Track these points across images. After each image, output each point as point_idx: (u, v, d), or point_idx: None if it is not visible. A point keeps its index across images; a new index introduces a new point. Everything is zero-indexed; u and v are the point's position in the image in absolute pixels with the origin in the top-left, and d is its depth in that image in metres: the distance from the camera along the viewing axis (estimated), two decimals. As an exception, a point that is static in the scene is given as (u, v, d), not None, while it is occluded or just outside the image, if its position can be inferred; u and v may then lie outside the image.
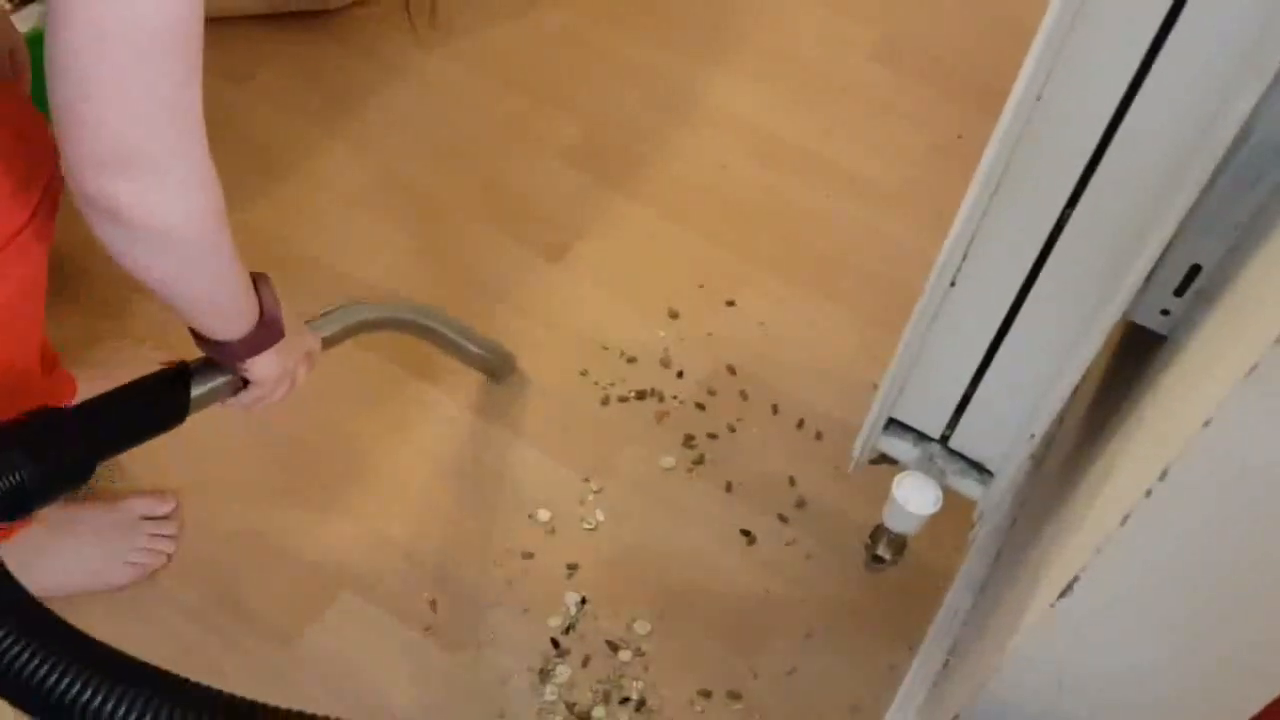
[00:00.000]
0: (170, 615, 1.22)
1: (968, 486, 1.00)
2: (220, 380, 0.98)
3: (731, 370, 1.49)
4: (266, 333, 0.95)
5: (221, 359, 0.96)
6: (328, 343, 1.14)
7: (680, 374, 1.48)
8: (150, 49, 0.70)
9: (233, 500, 1.32)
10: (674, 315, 1.55)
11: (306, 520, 1.30)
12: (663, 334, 1.52)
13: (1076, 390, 1.17)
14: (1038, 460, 1.20)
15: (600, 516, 1.34)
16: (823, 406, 1.46)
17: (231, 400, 1.01)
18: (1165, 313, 0.85)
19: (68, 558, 1.19)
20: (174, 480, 1.31)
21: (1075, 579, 0.65)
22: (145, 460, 1.29)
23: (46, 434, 0.83)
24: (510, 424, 1.41)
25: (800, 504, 1.38)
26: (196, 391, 0.97)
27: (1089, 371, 1.14)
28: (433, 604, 1.25)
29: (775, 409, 1.46)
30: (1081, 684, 0.71)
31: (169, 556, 1.24)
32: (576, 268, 1.58)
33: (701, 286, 1.58)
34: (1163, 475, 0.57)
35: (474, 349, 1.38)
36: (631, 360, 1.49)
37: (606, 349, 1.50)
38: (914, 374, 0.95)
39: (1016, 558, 1.04)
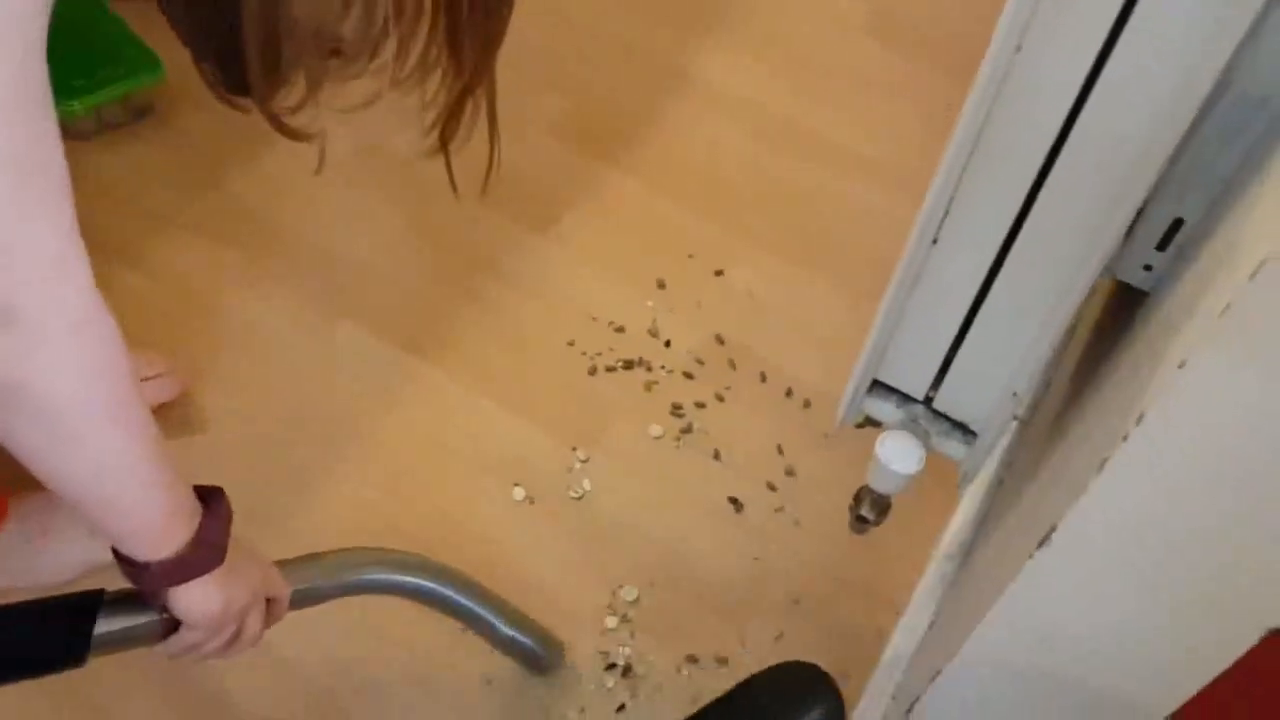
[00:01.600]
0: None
1: (951, 448, 0.99)
2: (141, 619, 0.78)
3: (720, 340, 1.49)
4: (197, 557, 0.75)
5: (139, 585, 0.76)
6: (301, 600, 0.93)
7: (668, 343, 1.48)
8: None
9: (215, 469, 1.31)
10: (662, 285, 1.54)
11: (290, 488, 1.30)
12: (651, 304, 1.52)
13: (1063, 351, 1.17)
14: (1024, 423, 1.20)
15: (587, 485, 1.34)
16: (810, 375, 1.46)
17: (160, 647, 0.81)
18: (1148, 268, 0.85)
19: (55, 549, 1.18)
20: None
21: (1053, 528, 0.65)
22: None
23: None
24: (496, 394, 1.41)
25: (789, 472, 1.38)
26: (105, 629, 0.77)
27: (1076, 333, 1.15)
28: (420, 572, 1.25)
29: (763, 378, 1.46)
30: (1063, 638, 0.71)
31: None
32: (564, 240, 1.58)
33: (690, 257, 1.58)
34: (1139, 419, 0.57)
35: (508, 631, 1.11)
36: (619, 330, 1.49)
37: (594, 319, 1.49)
38: (897, 335, 0.94)
39: (1001, 520, 1.04)
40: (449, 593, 1.06)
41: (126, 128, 1.59)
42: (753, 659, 1.22)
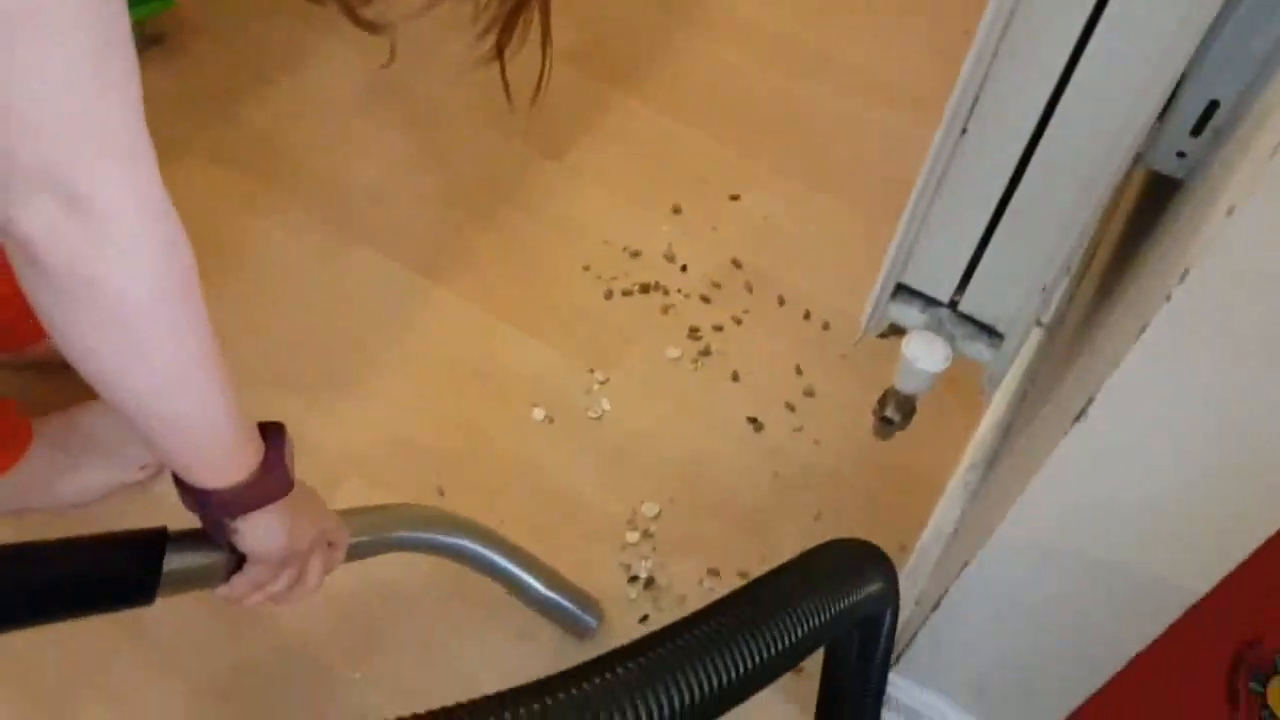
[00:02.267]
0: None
1: (977, 350, 0.98)
2: (207, 558, 0.77)
3: (736, 263, 1.48)
4: (264, 485, 0.73)
5: (205, 516, 0.74)
6: (354, 551, 0.91)
7: (684, 268, 1.47)
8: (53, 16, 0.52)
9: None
10: (677, 210, 1.53)
11: (312, 409, 1.30)
12: (666, 229, 1.51)
13: (1092, 255, 1.16)
14: (1049, 331, 1.19)
15: (606, 406, 1.34)
16: (829, 297, 1.45)
17: (223, 589, 0.79)
18: (1182, 155, 0.84)
19: (78, 472, 1.18)
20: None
21: (1090, 400, 0.65)
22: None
23: None
24: (514, 318, 1.40)
25: (808, 393, 1.37)
26: (172, 565, 0.75)
27: (1105, 236, 1.13)
28: (440, 491, 1.25)
29: (781, 300, 1.45)
30: (1098, 517, 0.71)
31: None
32: (578, 166, 1.56)
33: (705, 182, 1.57)
34: (1183, 277, 0.56)
35: (545, 591, 1.11)
36: (635, 255, 1.48)
37: (609, 244, 1.48)
38: (923, 234, 0.93)
39: (1026, 428, 1.03)
40: (498, 559, 1.07)
41: (138, 56, 1.57)
42: (774, 573, 1.22)
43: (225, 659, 1.13)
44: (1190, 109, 0.81)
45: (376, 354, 1.36)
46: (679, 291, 1.45)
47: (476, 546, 1.05)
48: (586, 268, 1.46)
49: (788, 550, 1.24)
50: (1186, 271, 0.55)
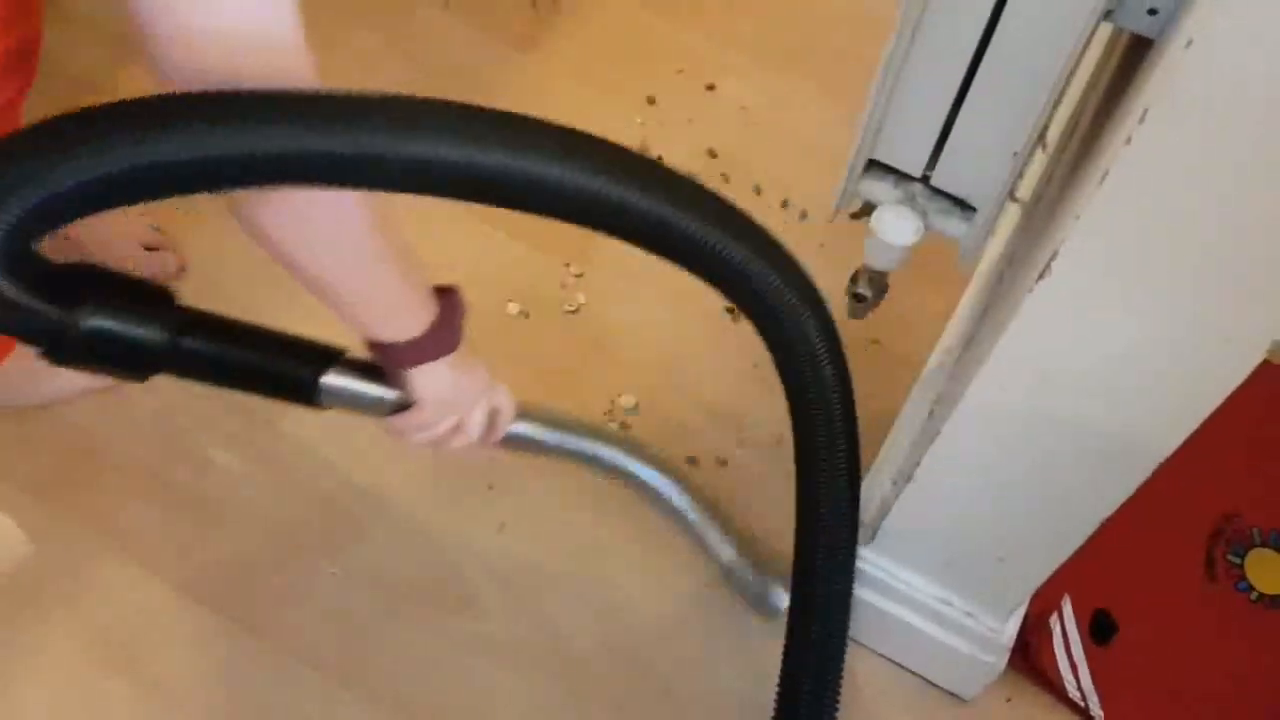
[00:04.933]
0: (159, 405, 1.21)
1: (951, 225, 0.97)
2: (373, 389, 0.85)
3: (712, 154, 1.46)
4: (436, 341, 0.81)
5: (384, 363, 0.83)
6: (525, 443, 1.00)
7: (659, 159, 1.44)
8: None
9: (222, 290, 1.30)
10: (651, 102, 1.50)
11: (287, 313, 1.28)
12: (640, 120, 1.48)
13: (1071, 134, 1.14)
14: (1027, 211, 1.18)
15: (581, 299, 1.32)
16: (806, 186, 1.43)
17: (390, 421, 0.88)
18: (1153, 11, 0.81)
19: (62, 374, 1.17)
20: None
21: (1054, 255, 0.64)
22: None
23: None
24: (487, 213, 1.37)
25: (785, 283, 1.36)
26: (335, 381, 0.84)
27: (1083, 114, 1.11)
28: (416, 386, 1.25)
29: (758, 190, 1.43)
30: (1065, 375, 0.70)
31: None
32: (549, 57, 1.53)
33: (680, 72, 1.53)
34: (1142, 117, 0.54)
35: (727, 550, 1.08)
36: (609, 147, 1.45)
37: (583, 137, 1.46)
38: (893, 107, 0.91)
39: (1004, 305, 1.02)
40: (677, 499, 1.07)
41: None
42: (753, 459, 1.23)
43: (204, 558, 1.13)
44: (1162, -38, 0.78)
45: (348, 253, 1.34)
46: (654, 183, 1.42)
47: (660, 487, 1.07)
48: (560, 161, 1.43)
49: (766, 438, 1.25)
50: (1145, 112, 0.54)
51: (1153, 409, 0.69)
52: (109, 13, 1.49)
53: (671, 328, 1.31)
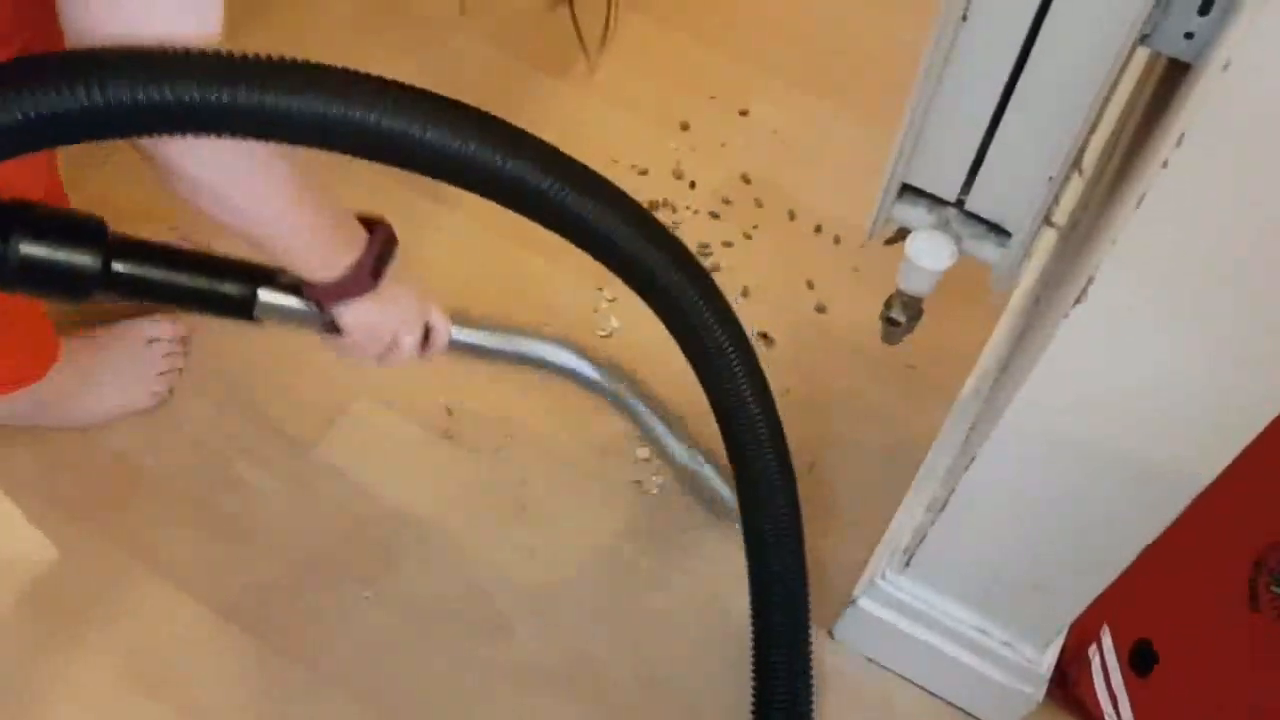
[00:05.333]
0: (194, 428, 1.23)
1: (986, 251, 0.96)
2: (301, 306, 0.91)
3: (746, 179, 1.46)
4: (356, 280, 0.87)
5: (310, 296, 0.89)
6: (468, 348, 1.06)
7: (693, 185, 1.45)
8: None
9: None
10: (685, 127, 1.50)
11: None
12: (674, 146, 1.49)
13: (1108, 160, 1.13)
14: (1063, 236, 1.17)
15: (615, 323, 1.33)
16: (840, 211, 1.43)
17: (325, 338, 0.95)
18: (1189, 36, 0.80)
19: (96, 392, 1.19)
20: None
21: (1090, 280, 0.63)
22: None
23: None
24: (521, 237, 1.38)
25: (819, 308, 1.36)
26: (269, 298, 0.90)
27: (1120, 140, 1.10)
28: (449, 410, 1.25)
29: (791, 215, 1.43)
30: (1102, 401, 0.69)
31: (180, 371, 1.24)
32: (583, 83, 1.54)
33: (713, 97, 1.54)
34: (1179, 141, 0.54)
35: (679, 448, 1.14)
36: (643, 173, 1.46)
37: (616, 162, 1.46)
38: (926, 130, 0.91)
39: (1039, 329, 1.01)
40: (626, 397, 1.12)
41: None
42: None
43: (238, 581, 1.14)
44: (1198, -16, 0.77)
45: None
46: (688, 208, 1.43)
47: (615, 389, 1.12)
48: (593, 187, 1.44)
49: (799, 465, 1.24)
50: (1182, 136, 0.53)
51: (1192, 435, 0.68)
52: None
53: (704, 352, 1.31)
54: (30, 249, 0.78)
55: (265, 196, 0.79)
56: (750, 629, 0.98)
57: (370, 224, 0.90)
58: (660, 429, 1.13)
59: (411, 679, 1.10)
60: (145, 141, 0.72)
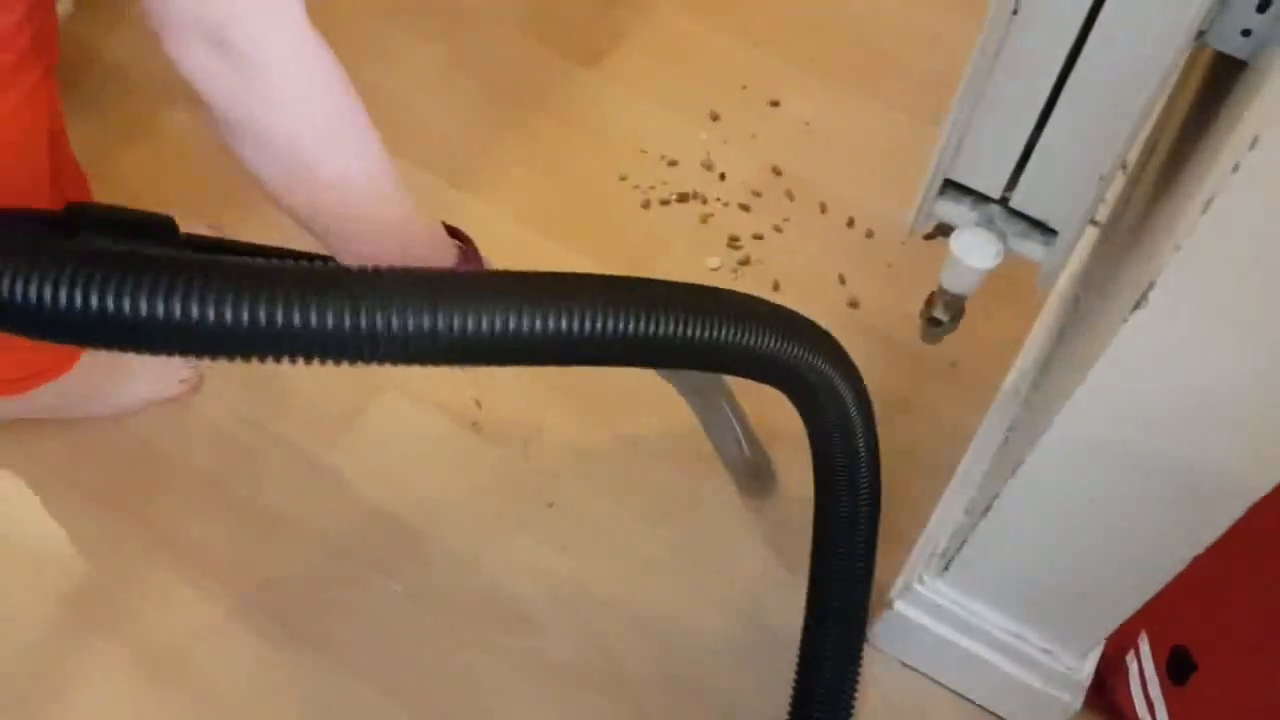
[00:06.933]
0: (222, 418, 1.22)
1: (1030, 249, 0.94)
2: None
3: (777, 171, 1.44)
4: None
5: None
6: None
7: (723, 176, 1.43)
8: None
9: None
10: (715, 118, 1.49)
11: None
12: (704, 136, 1.47)
13: (1150, 154, 1.10)
14: (1105, 233, 1.15)
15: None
16: (873, 204, 1.41)
17: None
18: (1246, 33, 0.78)
19: (126, 381, 1.19)
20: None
21: (1151, 286, 0.61)
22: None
23: None
24: (547, 228, 1.37)
25: (852, 303, 1.34)
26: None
27: (1163, 134, 1.08)
28: (478, 403, 1.24)
29: (823, 208, 1.41)
30: (1159, 409, 0.67)
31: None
32: (613, 73, 1.52)
33: (744, 88, 1.52)
34: (1253, 143, 0.52)
35: (732, 441, 1.13)
36: (672, 164, 1.44)
37: (645, 153, 1.45)
38: (973, 126, 0.89)
39: (1080, 331, 0.99)
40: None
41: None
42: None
43: (262, 571, 1.13)
44: (1259, -21, 0.75)
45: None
46: (718, 200, 1.41)
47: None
48: (623, 177, 1.42)
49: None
50: (1256, 139, 0.51)
51: (1250, 446, 0.66)
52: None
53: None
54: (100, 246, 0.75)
55: (341, 197, 0.72)
56: (780, 631, 0.96)
57: (455, 234, 0.85)
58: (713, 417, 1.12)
59: (436, 672, 1.09)
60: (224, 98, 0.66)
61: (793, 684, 0.98)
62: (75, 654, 1.08)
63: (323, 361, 0.60)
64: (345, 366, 0.62)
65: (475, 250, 0.83)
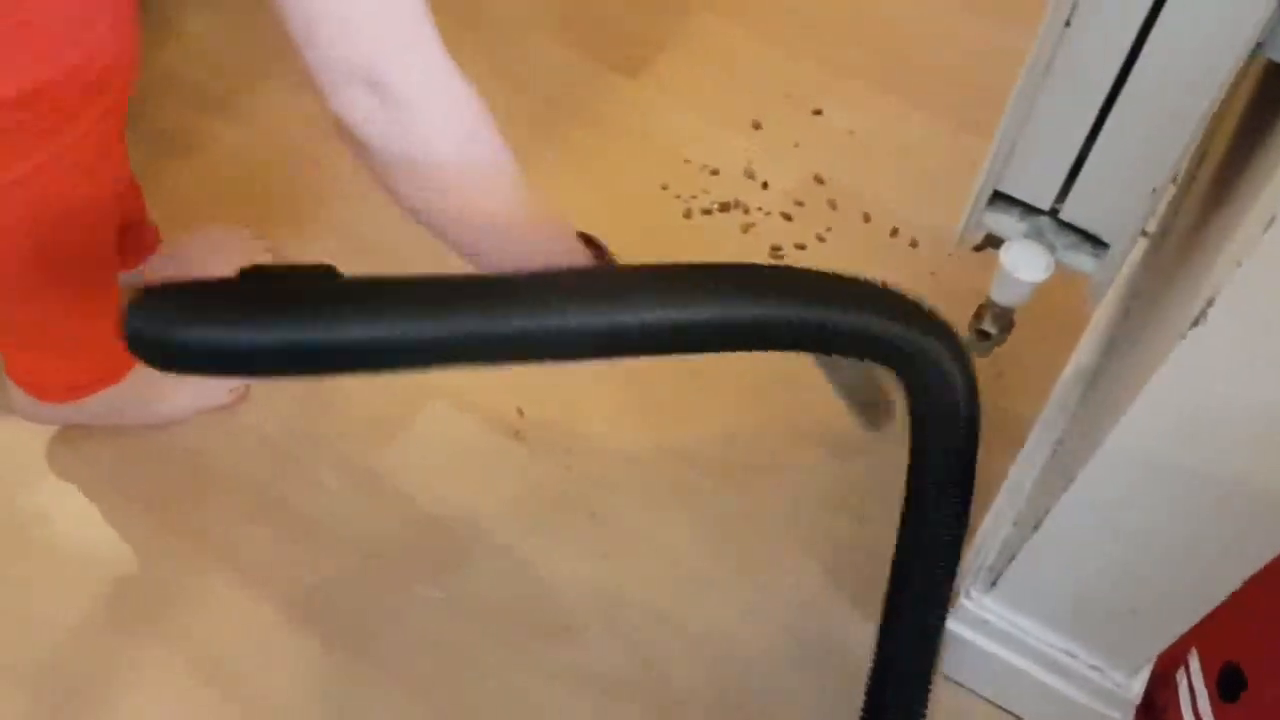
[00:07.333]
0: (269, 426, 1.23)
1: (1080, 261, 0.94)
2: None
3: (819, 180, 1.44)
4: None
5: None
6: None
7: (765, 185, 1.43)
8: None
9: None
10: (757, 126, 1.48)
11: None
12: (746, 145, 1.47)
13: (1200, 163, 1.09)
14: (1155, 243, 1.13)
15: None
16: (917, 214, 1.40)
17: None
18: (1307, 42, 0.77)
19: (175, 389, 1.20)
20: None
21: (1210, 302, 0.60)
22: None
23: None
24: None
25: (894, 313, 1.33)
26: None
27: (1214, 143, 1.07)
28: (520, 411, 1.24)
29: (867, 218, 1.40)
30: (1216, 426, 0.67)
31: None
32: (655, 82, 1.52)
33: (786, 96, 1.51)
34: (1321, 161, 0.51)
35: (848, 375, 1.13)
36: (714, 173, 1.44)
37: (688, 162, 1.45)
38: (1023, 137, 0.88)
39: (1131, 344, 0.98)
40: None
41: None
42: (866, 488, 1.20)
43: (307, 578, 1.14)
44: (1320, -11, 0.74)
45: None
46: (760, 209, 1.41)
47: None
48: (665, 187, 1.42)
49: (872, 482, 1.22)
50: (1326, 155, 0.50)
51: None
52: (234, 42, 1.52)
53: (778, 358, 1.29)
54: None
55: (493, 223, 0.76)
56: (829, 649, 0.95)
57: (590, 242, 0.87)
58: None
59: (478, 679, 1.09)
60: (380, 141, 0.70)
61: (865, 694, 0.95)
62: (122, 657, 1.09)
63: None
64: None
65: (608, 254, 0.88)
